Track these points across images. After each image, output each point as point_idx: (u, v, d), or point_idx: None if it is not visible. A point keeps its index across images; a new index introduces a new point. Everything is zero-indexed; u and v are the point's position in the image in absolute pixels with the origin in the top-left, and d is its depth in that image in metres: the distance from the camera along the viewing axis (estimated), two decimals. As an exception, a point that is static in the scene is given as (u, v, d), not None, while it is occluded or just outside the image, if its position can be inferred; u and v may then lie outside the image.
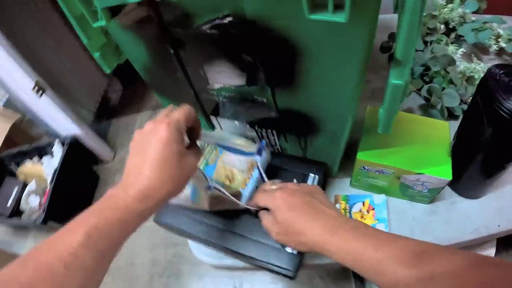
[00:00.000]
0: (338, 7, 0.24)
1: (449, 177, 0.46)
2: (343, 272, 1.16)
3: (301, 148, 0.49)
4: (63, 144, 1.34)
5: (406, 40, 0.25)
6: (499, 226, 0.51)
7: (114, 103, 1.83)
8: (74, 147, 1.35)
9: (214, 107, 0.48)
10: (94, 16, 0.35)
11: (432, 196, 0.51)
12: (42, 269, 0.25)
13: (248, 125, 0.49)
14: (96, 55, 0.40)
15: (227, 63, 0.37)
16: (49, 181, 1.29)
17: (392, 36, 0.73)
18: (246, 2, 0.28)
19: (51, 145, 1.35)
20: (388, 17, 0.52)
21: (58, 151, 1.33)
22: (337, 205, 0.52)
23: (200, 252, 0.56)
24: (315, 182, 0.49)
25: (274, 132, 0.48)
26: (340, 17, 0.24)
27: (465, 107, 0.62)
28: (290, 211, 0.38)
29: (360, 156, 0.48)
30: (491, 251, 0.73)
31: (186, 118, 0.34)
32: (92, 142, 1.47)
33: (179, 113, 0.34)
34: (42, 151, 1.38)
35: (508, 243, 0.77)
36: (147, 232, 1.39)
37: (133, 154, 0.33)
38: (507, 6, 0.78)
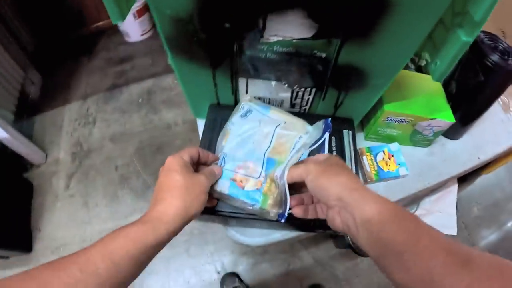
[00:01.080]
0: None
1: (452, 119, 0.55)
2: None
3: (335, 106, 0.52)
4: (-16, 150, 1.09)
5: (489, 6, 0.30)
6: (479, 158, 0.64)
7: (34, 97, 1.54)
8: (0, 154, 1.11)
9: (252, 67, 0.46)
10: None
11: (434, 139, 0.60)
12: (60, 275, 0.27)
13: (286, 85, 0.49)
14: None
15: (303, 12, 0.36)
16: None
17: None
18: None
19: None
20: None
21: (-22, 159, 1.08)
22: (363, 157, 0.57)
23: (244, 235, 0.54)
24: (350, 137, 0.53)
25: (313, 91, 0.50)
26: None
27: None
28: (339, 160, 0.39)
29: (387, 107, 0.53)
30: (454, 187, 0.90)
31: (188, 151, 0.41)
32: (18, 143, 1.23)
33: (182, 150, 0.41)
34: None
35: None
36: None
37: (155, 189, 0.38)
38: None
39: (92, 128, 1.54)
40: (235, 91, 0.53)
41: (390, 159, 0.57)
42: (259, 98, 0.54)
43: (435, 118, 0.54)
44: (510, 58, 0.51)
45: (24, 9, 1.52)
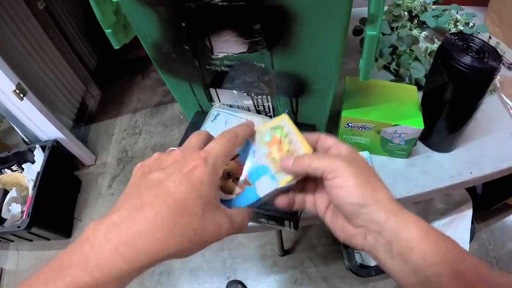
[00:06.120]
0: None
1: (421, 126, 0.53)
2: (331, 252, 1.22)
3: (293, 111, 0.55)
4: (44, 149, 1.32)
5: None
6: (471, 173, 0.59)
7: (92, 108, 1.82)
8: (55, 151, 1.34)
9: (214, 78, 0.53)
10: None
11: (408, 149, 0.58)
12: None
13: (245, 94, 0.54)
14: (108, 31, 0.45)
15: (233, 32, 0.43)
16: (31, 187, 1.26)
17: (363, 21, 0.82)
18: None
19: (32, 150, 1.32)
20: (356, 10, 0.60)
21: (39, 156, 1.31)
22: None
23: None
24: (307, 141, 0.55)
25: (269, 98, 0.54)
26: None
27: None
28: (363, 159, 0.30)
29: (345, 114, 0.54)
30: (468, 212, 0.82)
31: (229, 152, 0.26)
32: (73, 146, 1.46)
33: (220, 146, 0.26)
34: (22, 158, 1.35)
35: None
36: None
37: (136, 182, 0.25)
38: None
39: (138, 138, 1.74)
40: (210, 100, 0.60)
41: (355, 166, 0.57)
42: (230, 106, 0.60)
43: (399, 124, 0.53)
44: (486, 57, 0.48)
45: (88, 32, 1.82)
